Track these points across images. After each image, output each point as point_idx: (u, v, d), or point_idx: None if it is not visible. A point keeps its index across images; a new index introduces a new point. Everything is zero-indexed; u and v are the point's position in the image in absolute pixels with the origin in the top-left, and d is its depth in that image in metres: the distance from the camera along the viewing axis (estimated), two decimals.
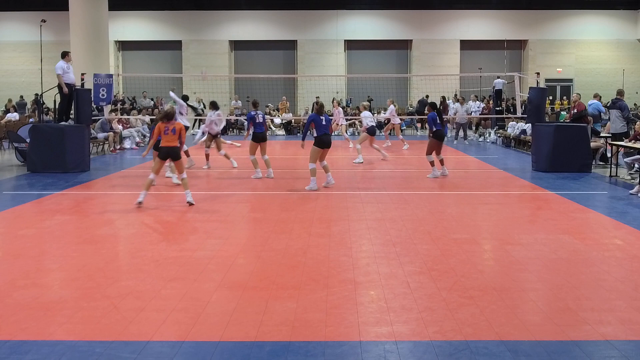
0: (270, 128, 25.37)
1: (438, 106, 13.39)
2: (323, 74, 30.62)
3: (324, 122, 10.86)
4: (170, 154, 9.39)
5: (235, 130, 26.15)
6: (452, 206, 9.51)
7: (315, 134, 10.93)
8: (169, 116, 9.54)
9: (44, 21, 23.35)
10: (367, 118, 15.58)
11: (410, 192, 11.00)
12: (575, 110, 15.40)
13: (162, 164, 9.63)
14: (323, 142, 10.84)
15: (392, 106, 19.70)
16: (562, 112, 24.55)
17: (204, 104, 27.06)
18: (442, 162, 12.85)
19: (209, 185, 11.80)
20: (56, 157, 13.29)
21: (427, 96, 26.03)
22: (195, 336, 4.42)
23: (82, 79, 14.54)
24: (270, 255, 6.63)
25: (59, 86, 14.04)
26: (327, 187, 11.12)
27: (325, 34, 31.99)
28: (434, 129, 12.49)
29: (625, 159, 12.59)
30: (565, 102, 29.70)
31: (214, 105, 14.74)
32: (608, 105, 16.26)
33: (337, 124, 20.18)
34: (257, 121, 12.30)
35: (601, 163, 14.75)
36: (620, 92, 14.79)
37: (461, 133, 22.60)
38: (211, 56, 32.02)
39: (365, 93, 28.63)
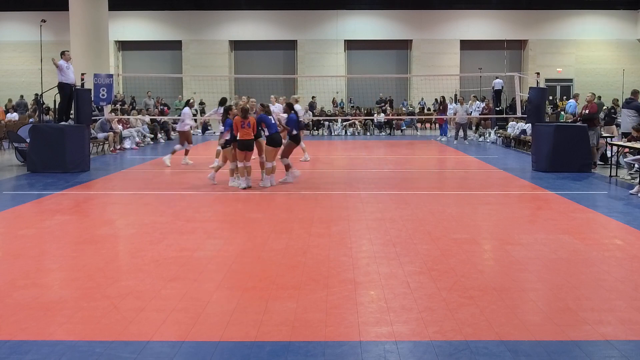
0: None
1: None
2: (323, 74, 30.67)
3: (273, 122, 11.48)
4: (247, 146, 10.77)
5: None
6: (452, 206, 9.51)
7: (267, 133, 11.32)
8: (245, 112, 10.81)
9: (44, 21, 23.33)
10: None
11: (410, 192, 11.00)
12: (587, 111, 14.79)
13: (242, 154, 10.80)
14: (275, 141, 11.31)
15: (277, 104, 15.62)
16: (561, 113, 24.51)
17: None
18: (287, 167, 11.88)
19: (209, 185, 11.77)
20: (56, 157, 13.28)
21: (313, 97, 26.91)
22: (195, 336, 4.42)
23: (82, 79, 14.53)
24: (270, 255, 6.63)
25: (59, 85, 14.03)
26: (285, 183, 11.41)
27: (325, 34, 32.01)
28: (294, 132, 11.81)
29: (625, 159, 12.58)
30: (563, 103, 29.65)
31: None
32: (622, 104, 16.09)
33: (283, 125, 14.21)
34: (273, 122, 11.61)
35: (601, 163, 14.73)
36: (635, 92, 14.50)
37: (461, 133, 22.60)
38: (211, 56, 32.03)
39: (365, 93, 28.65)
